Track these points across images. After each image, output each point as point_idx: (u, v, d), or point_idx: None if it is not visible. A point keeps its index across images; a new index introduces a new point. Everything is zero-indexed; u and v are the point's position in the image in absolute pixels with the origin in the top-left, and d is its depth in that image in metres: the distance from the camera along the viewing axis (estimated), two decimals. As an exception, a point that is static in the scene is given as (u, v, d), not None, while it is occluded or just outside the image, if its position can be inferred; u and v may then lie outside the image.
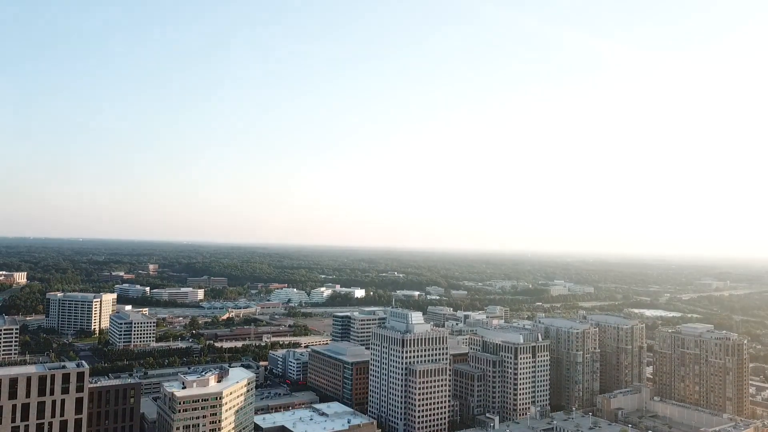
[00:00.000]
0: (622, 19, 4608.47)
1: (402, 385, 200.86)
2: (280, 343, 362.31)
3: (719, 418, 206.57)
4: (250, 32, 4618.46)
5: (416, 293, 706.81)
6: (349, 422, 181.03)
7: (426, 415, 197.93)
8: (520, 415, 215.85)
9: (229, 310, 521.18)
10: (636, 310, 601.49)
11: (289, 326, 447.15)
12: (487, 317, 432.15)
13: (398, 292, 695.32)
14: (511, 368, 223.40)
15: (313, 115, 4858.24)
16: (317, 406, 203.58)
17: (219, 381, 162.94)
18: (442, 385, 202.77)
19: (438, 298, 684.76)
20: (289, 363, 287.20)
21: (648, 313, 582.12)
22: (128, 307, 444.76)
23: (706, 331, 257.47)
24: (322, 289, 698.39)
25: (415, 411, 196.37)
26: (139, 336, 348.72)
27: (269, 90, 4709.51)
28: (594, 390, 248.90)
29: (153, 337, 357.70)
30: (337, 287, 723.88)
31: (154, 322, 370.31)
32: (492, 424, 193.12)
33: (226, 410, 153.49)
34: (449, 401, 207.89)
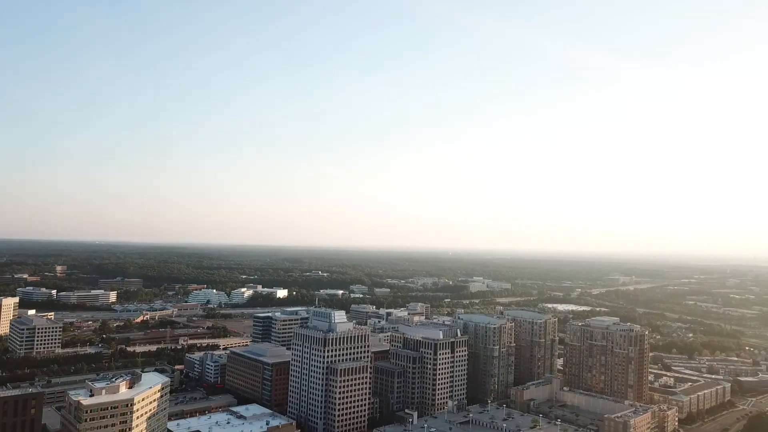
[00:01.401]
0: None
1: (323, 385, 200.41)
2: (198, 345, 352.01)
3: (621, 405, 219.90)
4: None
5: (340, 292, 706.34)
6: (267, 424, 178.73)
7: (346, 414, 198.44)
8: (438, 409, 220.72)
9: (144, 312, 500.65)
10: (549, 305, 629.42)
11: (208, 328, 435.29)
12: (408, 314, 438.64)
13: (322, 291, 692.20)
14: (430, 364, 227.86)
15: (219, 114, 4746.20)
16: (235, 409, 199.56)
17: (130, 387, 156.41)
18: (362, 383, 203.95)
19: (361, 296, 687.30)
20: (207, 366, 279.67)
21: (560, 307, 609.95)
22: (32, 312, 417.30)
23: (612, 323, 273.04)
24: (243, 289, 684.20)
25: (335, 410, 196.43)
26: (42, 342, 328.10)
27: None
28: (509, 382, 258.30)
29: (58, 342, 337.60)
30: (259, 287, 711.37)
31: (60, 327, 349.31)
32: (411, 420, 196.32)
33: (138, 417, 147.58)
34: (369, 399, 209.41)
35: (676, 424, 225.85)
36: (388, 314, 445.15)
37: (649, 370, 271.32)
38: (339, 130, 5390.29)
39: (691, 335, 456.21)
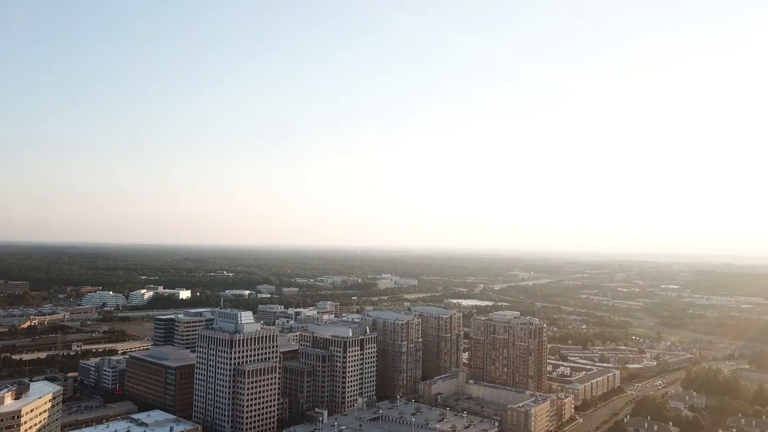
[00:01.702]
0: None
1: (230, 387, 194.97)
2: (93, 351, 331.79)
3: (523, 395, 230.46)
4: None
5: (246, 292, 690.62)
6: (171, 430, 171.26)
7: (254, 415, 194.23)
8: (348, 407, 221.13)
9: (31, 317, 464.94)
10: (455, 301, 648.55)
11: (104, 332, 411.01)
12: (317, 313, 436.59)
13: (227, 291, 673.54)
14: (340, 362, 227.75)
15: (120, 113, 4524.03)
16: (136, 416, 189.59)
17: (17, 398, 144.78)
18: (271, 384, 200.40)
19: (269, 296, 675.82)
20: (104, 372, 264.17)
21: (465, 302, 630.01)
22: None
23: (513, 317, 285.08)
24: (143, 291, 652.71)
25: (243, 412, 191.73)
26: None
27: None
28: (417, 377, 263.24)
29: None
30: (160, 288, 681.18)
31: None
32: (321, 419, 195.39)
33: (26, 430, 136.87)
34: (278, 399, 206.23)
35: (573, 410, 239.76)
36: (297, 314, 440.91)
37: (548, 360, 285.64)
38: (252, 129, 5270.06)
39: (584, 327, 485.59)
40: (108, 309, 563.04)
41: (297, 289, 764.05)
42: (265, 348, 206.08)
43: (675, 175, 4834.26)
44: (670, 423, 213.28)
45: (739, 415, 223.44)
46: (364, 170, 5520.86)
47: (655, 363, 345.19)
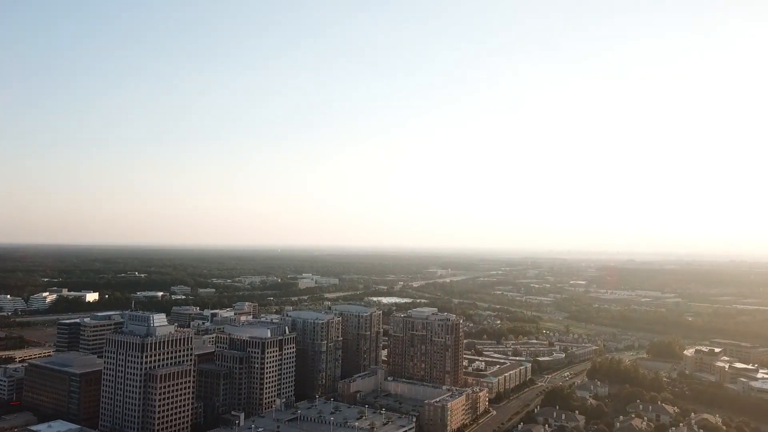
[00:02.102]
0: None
1: (140, 393, 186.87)
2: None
3: (440, 390, 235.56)
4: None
5: (160, 294, 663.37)
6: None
7: (167, 421, 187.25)
8: (266, 408, 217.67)
9: None
10: (375, 298, 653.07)
11: (0, 339, 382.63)
12: (235, 314, 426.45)
13: (139, 293, 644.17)
14: (257, 363, 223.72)
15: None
16: (35, 428, 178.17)
17: None
18: (185, 388, 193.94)
19: (184, 297, 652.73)
20: (0, 381, 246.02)
21: (385, 300, 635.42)
22: None
23: (431, 314, 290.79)
24: (45, 294, 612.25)
25: (154, 418, 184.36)
26: None
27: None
28: (336, 376, 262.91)
29: None
30: (64, 291, 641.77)
31: None
32: (237, 421, 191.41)
33: None
34: (193, 403, 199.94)
35: (487, 403, 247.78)
36: (213, 315, 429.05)
37: (464, 355, 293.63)
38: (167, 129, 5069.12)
39: (499, 322, 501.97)
40: (4, 314, 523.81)
41: (213, 290, 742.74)
42: (179, 351, 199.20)
43: (601, 173, 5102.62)
44: (577, 411, 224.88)
45: (638, 401, 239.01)
46: (282, 170, 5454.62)
47: (564, 355, 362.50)
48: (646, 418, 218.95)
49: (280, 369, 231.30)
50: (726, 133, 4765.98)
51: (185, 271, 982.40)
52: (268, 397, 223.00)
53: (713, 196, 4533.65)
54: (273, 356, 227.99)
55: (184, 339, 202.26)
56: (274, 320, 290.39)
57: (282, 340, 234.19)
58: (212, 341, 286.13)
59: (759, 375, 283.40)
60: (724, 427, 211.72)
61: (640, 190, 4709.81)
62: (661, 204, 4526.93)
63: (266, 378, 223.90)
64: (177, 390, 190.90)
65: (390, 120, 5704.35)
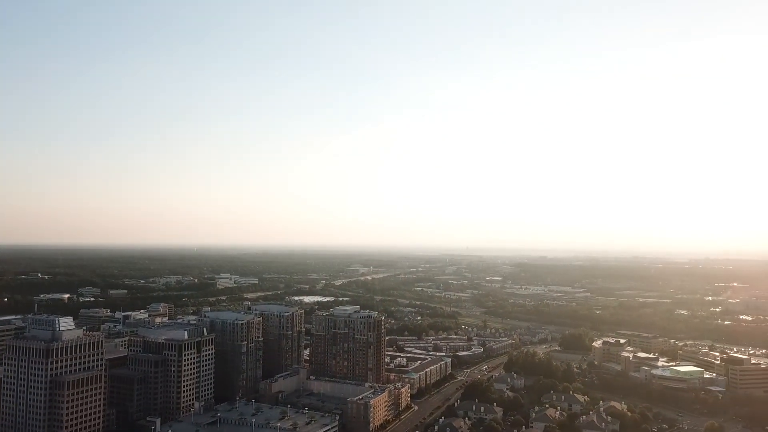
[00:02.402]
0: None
1: (45, 402, 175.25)
2: None
3: (362, 387, 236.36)
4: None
5: (66, 296, 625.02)
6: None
7: (75, 431, 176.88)
8: (184, 412, 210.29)
9: None
10: (296, 298, 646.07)
11: None
12: (149, 316, 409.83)
13: (42, 296, 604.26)
14: (174, 366, 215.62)
15: None
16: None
17: None
18: (96, 395, 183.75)
19: (93, 299, 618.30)
20: None
21: (306, 299, 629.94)
22: None
23: (353, 312, 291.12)
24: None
25: (62, 428, 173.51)
26: None
27: None
28: (258, 377, 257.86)
29: None
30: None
31: None
32: (153, 427, 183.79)
33: None
34: (104, 410, 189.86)
35: (409, 399, 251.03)
36: (126, 317, 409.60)
37: (386, 352, 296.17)
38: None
39: (419, 318, 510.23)
40: None
41: (125, 291, 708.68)
42: (88, 356, 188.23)
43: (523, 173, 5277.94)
44: (495, 404, 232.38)
45: (552, 391, 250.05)
46: (197, 167, 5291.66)
47: (482, 350, 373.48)
48: (559, 408, 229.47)
49: (199, 371, 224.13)
50: (638, 134, 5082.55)
51: (94, 272, 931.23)
52: (186, 401, 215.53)
53: (616, 196, 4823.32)
54: (191, 359, 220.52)
55: (93, 343, 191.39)
56: (191, 321, 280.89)
57: (200, 341, 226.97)
58: (125, 345, 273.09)
59: (659, 363, 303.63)
60: (629, 413, 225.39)
61: (548, 188, 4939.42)
62: (569, 202, 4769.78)
63: (184, 381, 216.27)
64: (87, 397, 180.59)
65: (301, 118, 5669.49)
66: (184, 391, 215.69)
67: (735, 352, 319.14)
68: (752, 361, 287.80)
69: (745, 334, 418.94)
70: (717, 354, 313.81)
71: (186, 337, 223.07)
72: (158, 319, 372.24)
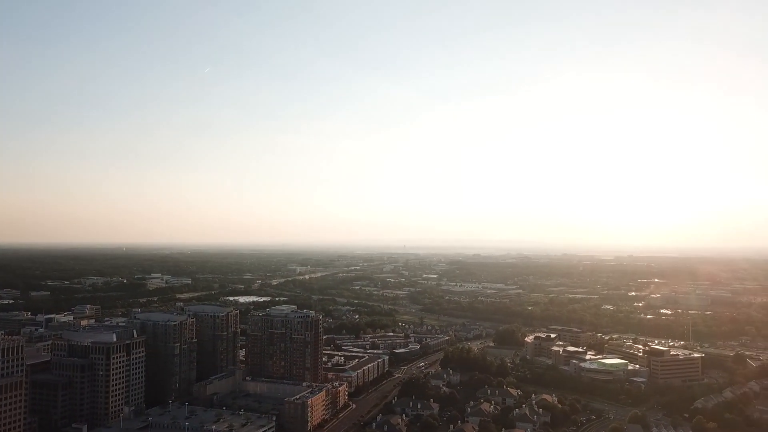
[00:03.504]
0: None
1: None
2: None
3: (300, 387, 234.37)
4: None
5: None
6: None
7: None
8: (113, 418, 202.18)
9: None
10: (231, 298, 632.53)
11: None
12: (74, 319, 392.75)
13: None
14: (102, 370, 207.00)
15: None
16: None
17: None
18: (15, 403, 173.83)
19: (12, 302, 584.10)
20: None
21: (242, 299, 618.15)
22: None
23: (290, 311, 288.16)
24: None
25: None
26: None
27: None
28: (192, 379, 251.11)
29: None
30: None
31: None
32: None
33: None
34: (26, 418, 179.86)
35: (347, 397, 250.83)
36: (49, 320, 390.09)
37: (323, 351, 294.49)
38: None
39: (357, 317, 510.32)
40: None
41: (48, 292, 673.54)
42: (7, 361, 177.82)
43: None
44: (432, 400, 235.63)
45: (486, 386, 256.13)
46: (124, 164, 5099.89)
47: (419, 346, 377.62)
48: (493, 402, 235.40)
49: (128, 375, 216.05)
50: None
51: (13, 273, 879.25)
52: (115, 407, 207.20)
53: (545, 195, 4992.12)
54: (119, 362, 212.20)
55: (12, 348, 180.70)
56: (120, 323, 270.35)
57: (130, 344, 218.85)
58: (48, 349, 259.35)
59: (587, 357, 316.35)
60: (560, 405, 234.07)
61: (481, 187, 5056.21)
62: (502, 200, 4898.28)
63: (112, 386, 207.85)
64: (6, 405, 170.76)
65: (241, 115, 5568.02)
66: (112, 396, 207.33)
67: (656, 345, 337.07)
68: (672, 353, 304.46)
69: (665, 327, 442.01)
70: (640, 347, 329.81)
71: (114, 339, 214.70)
72: (84, 322, 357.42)
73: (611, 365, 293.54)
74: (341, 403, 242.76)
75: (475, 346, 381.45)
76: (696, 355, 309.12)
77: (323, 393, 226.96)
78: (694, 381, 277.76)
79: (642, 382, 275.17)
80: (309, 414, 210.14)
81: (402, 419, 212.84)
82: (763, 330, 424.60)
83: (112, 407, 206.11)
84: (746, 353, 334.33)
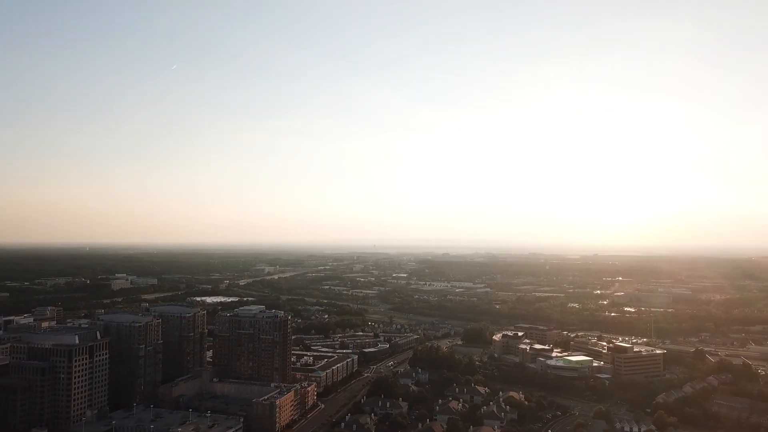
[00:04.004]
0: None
1: None
2: None
3: (268, 388, 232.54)
4: None
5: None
6: None
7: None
8: (74, 422, 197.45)
9: None
10: (198, 298, 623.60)
11: None
12: (35, 320, 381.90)
13: None
14: (64, 373, 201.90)
15: None
16: None
17: None
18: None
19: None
20: None
21: (209, 299, 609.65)
22: None
23: (258, 311, 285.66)
24: None
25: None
26: None
27: None
28: (157, 381, 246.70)
29: None
30: None
31: None
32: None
33: None
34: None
35: (315, 397, 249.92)
36: (8, 322, 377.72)
37: (292, 351, 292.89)
38: None
39: (326, 316, 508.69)
40: None
41: (7, 294, 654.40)
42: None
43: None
44: (400, 398, 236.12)
45: (455, 384, 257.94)
46: (86, 161, 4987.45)
47: (388, 345, 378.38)
48: (461, 400, 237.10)
49: (91, 378, 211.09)
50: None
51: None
52: (77, 410, 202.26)
53: (513, 195, 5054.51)
54: (82, 365, 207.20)
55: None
56: (83, 325, 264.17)
57: (93, 346, 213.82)
58: (7, 352, 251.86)
59: (554, 354, 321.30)
60: (527, 402, 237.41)
61: (448, 187, 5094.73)
62: (471, 200, 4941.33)
63: (75, 389, 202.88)
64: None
65: (205, 115, 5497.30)
66: (74, 400, 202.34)
67: (620, 342, 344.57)
68: (635, 349, 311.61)
69: (629, 325, 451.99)
70: (604, 344, 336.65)
71: (77, 341, 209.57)
72: (45, 324, 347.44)
73: (577, 362, 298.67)
74: (310, 403, 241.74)
75: (444, 344, 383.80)
76: (658, 351, 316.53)
77: (292, 393, 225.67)
78: (656, 377, 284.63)
79: (606, 378, 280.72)
80: (277, 414, 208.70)
81: (371, 418, 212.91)
82: (721, 326, 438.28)
83: (74, 411, 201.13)
84: (705, 349, 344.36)
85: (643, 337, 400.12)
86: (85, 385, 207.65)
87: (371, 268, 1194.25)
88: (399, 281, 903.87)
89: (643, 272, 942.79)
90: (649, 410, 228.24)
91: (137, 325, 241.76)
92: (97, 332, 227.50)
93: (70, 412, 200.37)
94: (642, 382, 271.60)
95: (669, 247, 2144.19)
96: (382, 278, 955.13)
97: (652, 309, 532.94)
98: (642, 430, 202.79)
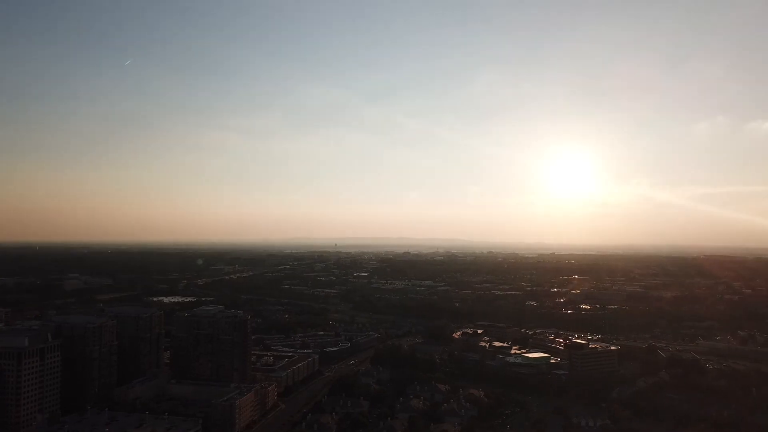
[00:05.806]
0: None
1: None
2: None
3: (228, 389, 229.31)
4: None
5: None
6: None
7: None
8: (23, 427, 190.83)
9: None
10: (156, 298, 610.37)
11: None
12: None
13: None
14: (13, 377, 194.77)
15: None
16: None
17: None
18: None
19: None
20: None
21: (167, 300, 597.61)
22: None
23: (217, 311, 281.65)
24: None
25: None
26: None
27: None
28: (112, 384, 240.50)
29: None
30: None
31: None
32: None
33: None
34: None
35: (276, 397, 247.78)
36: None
37: (252, 351, 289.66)
38: None
39: (287, 316, 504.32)
40: None
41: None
42: None
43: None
44: (362, 397, 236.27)
45: (416, 382, 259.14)
46: (33, 158, 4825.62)
47: (349, 344, 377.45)
48: (422, 398, 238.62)
49: (42, 381, 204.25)
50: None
51: None
52: (27, 415, 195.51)
53: (468, 195, 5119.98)
54: (32, 368, 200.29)
55: None
56: (33, 327, 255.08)
57: (44, 348, 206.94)
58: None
59: (512, 351, 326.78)
60: (486, 399, 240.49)
61: (409, 184, 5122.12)
62: (429, 198, 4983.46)
63: (24, 393, 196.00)
64: None
65: (167, 113, 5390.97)
66: (24, 404, 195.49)
67: (576, 338, 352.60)
68: (590, 346, 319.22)
69: (585, 322, 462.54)
70: (561, 340, 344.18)
71: (26, 344, 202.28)
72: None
73: (534, 359, 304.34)
74: (270, 403, 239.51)
75: (405, 343, 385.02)
76: (612, 347, 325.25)
77: (252, 394, 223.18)
78: (611, 372, 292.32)
79: (563, 374, 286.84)
80: (237, 415, 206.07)
81: (332, 417, 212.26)
82: (673, 323, 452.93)
83: (23, 416, 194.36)
84: (657, 344, 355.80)
85: (598, 333, 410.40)
86: (36, 389, 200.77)
87: (333, 267, 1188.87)
88: (360, 280, 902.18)
89: (598, 270, 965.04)
90: (604, 405, 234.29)
91: (91, 326, 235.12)
92: (49, 334, 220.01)
93: (19, 416, 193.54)
94: (597, 378, 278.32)
95: (623, 245, 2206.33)
96: (344, 277, 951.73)
97: (607, 306, 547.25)
98: (597, 424, 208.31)
